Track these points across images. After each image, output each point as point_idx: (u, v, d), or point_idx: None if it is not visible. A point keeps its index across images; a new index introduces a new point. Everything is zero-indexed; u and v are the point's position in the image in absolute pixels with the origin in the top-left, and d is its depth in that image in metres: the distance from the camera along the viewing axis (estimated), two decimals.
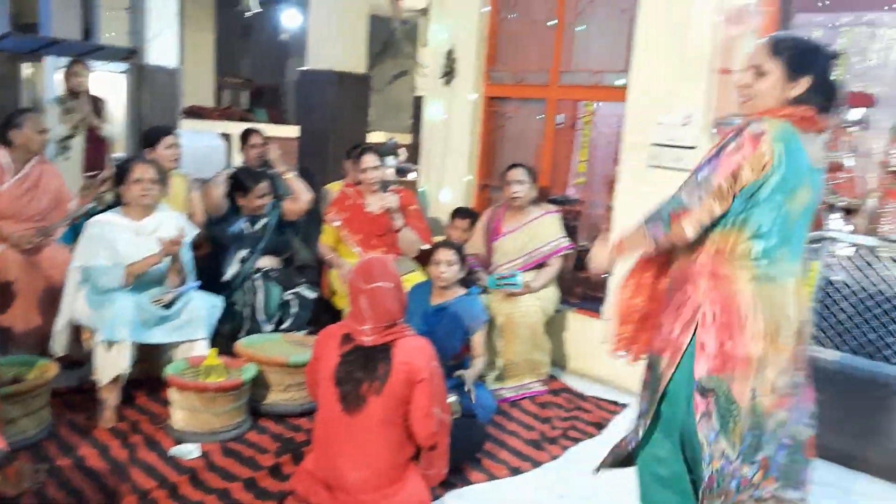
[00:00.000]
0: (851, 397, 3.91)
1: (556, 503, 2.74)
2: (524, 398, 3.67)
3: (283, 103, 11.76)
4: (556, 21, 4.26)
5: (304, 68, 5.53)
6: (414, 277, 3.83)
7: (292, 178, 4.05)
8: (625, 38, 3.96)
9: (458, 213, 4.36)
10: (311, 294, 3.88)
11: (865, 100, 6.10)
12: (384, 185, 3.88)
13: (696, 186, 1.90)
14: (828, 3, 5.97)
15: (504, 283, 3.81)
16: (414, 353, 2.53)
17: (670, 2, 3.62)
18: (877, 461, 3.20)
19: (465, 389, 3.13)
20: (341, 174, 4.64)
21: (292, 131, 6.72)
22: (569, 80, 4.28)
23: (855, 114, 6.18)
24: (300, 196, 4.02)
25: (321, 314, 3.98)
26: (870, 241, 4.85)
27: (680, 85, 3.60)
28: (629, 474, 2.74)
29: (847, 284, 4.75)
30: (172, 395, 2.97)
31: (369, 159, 3.97)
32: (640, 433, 2.09)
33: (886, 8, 6.00)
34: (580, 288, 4.36)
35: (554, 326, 4.17)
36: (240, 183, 3.89)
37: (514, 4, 4.51)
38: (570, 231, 4.47)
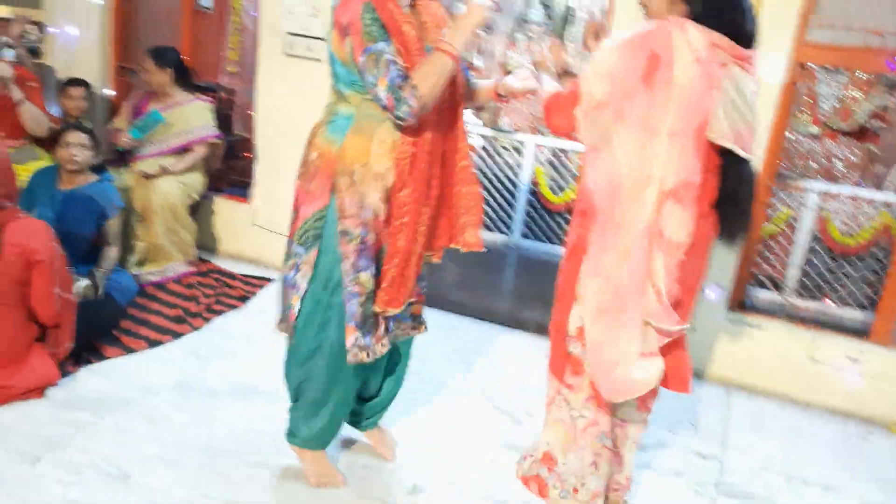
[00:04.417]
0: (473, 261, 4.72)
1: (194, 363, 2.95)
2: (170, 281, 3.74)
3: None
4: None
5: None
6: (38, 166, 3.58)
7: None
8: None
9: (72, 82, 4.12)
10: None
11: (493, 5, 6.94)
12: None
13: None
14: None
15: (145, 127, 3.84)
16: (27, 234, 2.47)
17: None
18: (493, 308, 3.92)
19: (95, 283, 3.12)
20: None
21: None
22: None
23: None
24: None
25: None
26: (491, 132, 5.73)
27: None
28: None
29: (480, 171, 5.58)
30: None
31: None
32: None
33: None
34: (229, 175, 4.47)
35: (204, 211, 4.26)
36: None
37: None
38: (224, 119, 4.51)
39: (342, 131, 1.95)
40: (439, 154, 2.03)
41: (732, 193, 1.91)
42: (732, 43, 1.83)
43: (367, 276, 1.97)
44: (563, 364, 2.10)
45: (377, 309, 2.00)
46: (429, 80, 1.82)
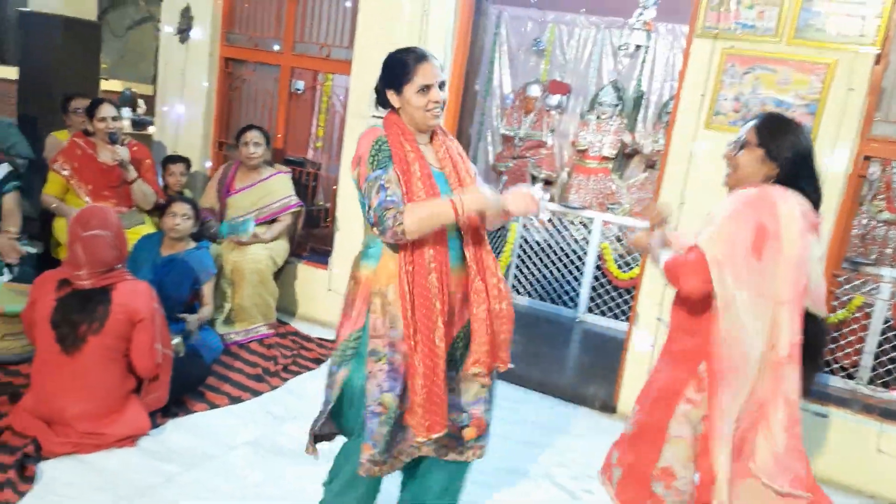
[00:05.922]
0: (538, 334, 4.83)
1: (269, 421, 3.16)
2: (252, 341, 4.01)
3: (3, 42, 10.51)
4: None
5: (26, 9, 5.20)
6: (143, 230, 3.96)
7: None
8: (351, 16, 4.41)
9: (171, 159, 4.54)
10: (31, 249, 3.84)
11: (563, 88, 7.24)
12: (113, 138, 3.93)
13: None
14: (535, 1, 6.96)
15: (235, 229, 4.12)
16: (133, 295, 2.76)
17: None
18: (557, 383, 4.03)
19: (187, 330, 3.40)
20: (65, 123, 4.54)
21: (12, 73, 6.25)
22: (302, 49, 4.62)
23: (554, 99, 7.33)
24: None
25: (47, 270, 3.95)
26: (561, 207, 5.90)
27: None
28: None
29: (541, 243, 5.74)
30: None
31: (106, 110, 3.99)
32: None
33: (582, 11, 7.14)
34: (310, 242, 4.79)
35: (285, 276, 4.56)
36: None
37: None
38: (309, 191, 4.87)
39: (376, 257, 2.01)
40: (468, 271, 2.03)
41: (813, 346, 2.05)
42: (812, 209, 1.97)
43: (390, 398, 1.95)
44: (644, 502, 2.12)
45: (419, 439, 1.99)
46: (418, 215, 1.86)
